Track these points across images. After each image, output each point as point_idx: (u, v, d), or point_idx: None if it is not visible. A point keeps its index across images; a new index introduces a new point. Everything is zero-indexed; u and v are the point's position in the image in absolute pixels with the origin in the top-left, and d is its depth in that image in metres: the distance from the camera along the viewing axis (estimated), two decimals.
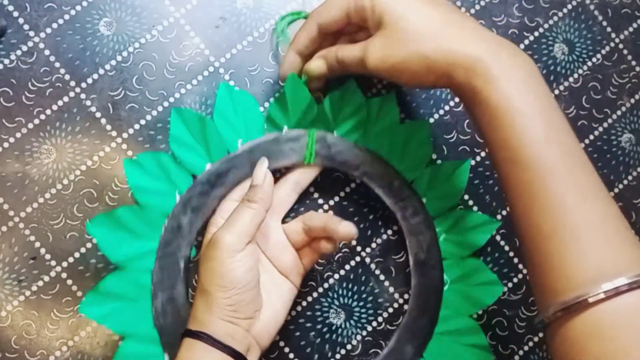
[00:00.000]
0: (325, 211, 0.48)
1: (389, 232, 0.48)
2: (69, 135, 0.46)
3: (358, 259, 0.48)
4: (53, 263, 0.45)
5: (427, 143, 0.47)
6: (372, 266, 0.48)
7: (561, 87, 0.51)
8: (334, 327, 0.47)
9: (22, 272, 0.45)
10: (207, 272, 0.39)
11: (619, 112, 0.51)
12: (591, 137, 0.51)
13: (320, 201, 0.48)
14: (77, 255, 0.45)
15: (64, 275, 0.45)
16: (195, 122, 0.45)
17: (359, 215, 0.48)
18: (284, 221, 0.46)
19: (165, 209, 0.44)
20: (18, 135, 0.46)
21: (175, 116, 0.45)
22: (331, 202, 0.48)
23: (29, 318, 0.45)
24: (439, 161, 0.49)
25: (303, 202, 0.47)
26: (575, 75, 0.51)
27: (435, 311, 0.46)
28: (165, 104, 0.47)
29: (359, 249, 0.48)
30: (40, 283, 0.45)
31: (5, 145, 0.46)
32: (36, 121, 0.46)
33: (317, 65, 0.43)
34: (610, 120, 0.51)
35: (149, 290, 0.44)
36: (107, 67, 0.47)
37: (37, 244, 0.45)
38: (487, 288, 0.46)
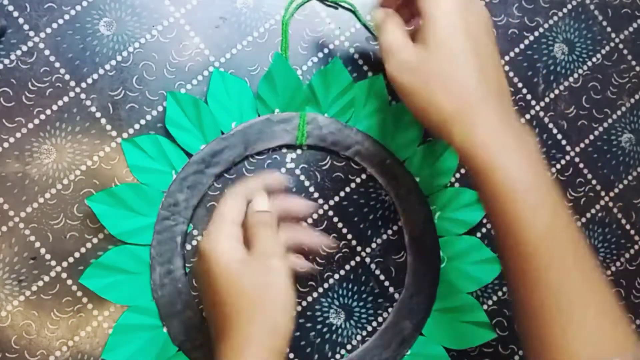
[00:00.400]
0: (325, 211, 0.48)
1: (389, 232, 0.48)
2: (69, 135, 0.46)
3: (358, 259, 0.48)
4: (53, 263, 0.45)
5: (418, 123, 0.47)
6: (372, 266, 0.48)
7: (561, 87, 0.51)
8: (334, 327, 0.47)
9: (22, 272, 0.45)
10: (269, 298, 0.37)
11: (619, 112, 0.52)
12: (591, 137, 0.51)
13: (321, 201, 0.48)
14: (77, 255, 0.45)
15: (64, 275, 0.45)
16: (190, 105, 0.46)
17: (359, 215, 0.48)
18: None
19: (162, 187, 0.46)
20: (18, 135, 0.46)
21: (171, 100, 0.46)
22: (331, 202, 0.48)
23: (29, 318, 0.45)
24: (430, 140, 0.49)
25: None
26: (575, 75, 0.51)
27: (432, 288, 0.47)
28: (165, 104, 0.47)
29: (359, 249, 0.48)
30: (40, 283, 0.45)
31: (5, 145, 0.46)
32: (36, 121, 0.46)
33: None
34: (610, 120, 0.51)
35: (148, 264, 0.45)
36: (107, 67, 0.47)
37: (37, 244, 0.45)
38: (485, 266, 0.47)
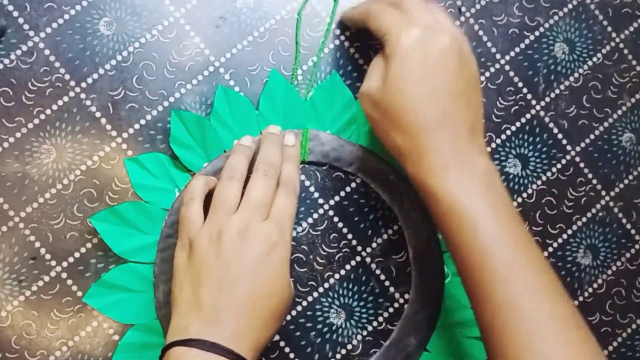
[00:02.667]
0: (326, 211, 0.48)
1: (390, 231, 0.48)
2: (69, 135, 0.46)
3: (358, 258, 0.48)
4: (53, 263, 0.45)
5: None
6: (373, 266, 0.48)
7: (561, 87, 0.51)
8: (334, 327, 0.47)
9: (22, 272, 0.45)
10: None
11: (619, 112, 0.52)
12: (592, 136, 0.51)
13: (321, 201, 0.48)
14: (77, 255, 0.45)
15: (64, 275, 0.45)
16: (194, 123, 0.46)
17: (359, 215, 0.48)
18: None
19: (165, 205, 0.46)
20: (18, 135, 0.46)
21: (175, 118, 0.46)
22: (331, 202, 0.48)
23: (29, 318, 0.45)
24: None
25: (303, 201, 0.48)
26: (576, 75, 0.51)
27: (437, 304, 0.47)
28: (165, 103, 0.47)
29: (359, 248, 0.48)
30: (40, 283, 0.45)
31: (5, 145, 0.46)
32: (36, 121, 0.46)
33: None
34: (610, 120, 0.51)
35: (151, 282, 0.45)
36: (107, 66, 0.47)
37: (37, 244, 0.45)
38: None
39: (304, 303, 0.47)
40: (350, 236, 0.48)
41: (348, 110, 0.47)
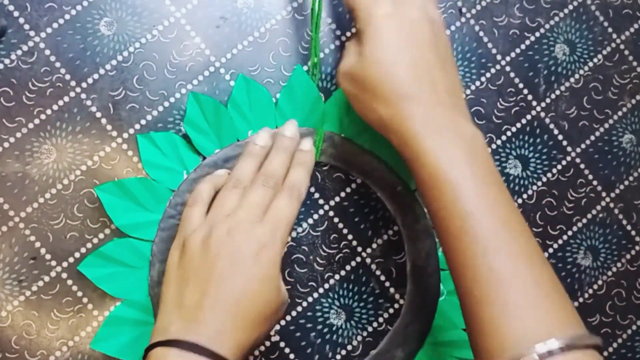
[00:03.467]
0: (326, 212, 0.48)
1: (390, 232, 0.48)
2: (69, 135, 0.46)
3: (359, 259, 0.48)
4: (53, 263, 0.45)
5: None
6: (373, 267, 0.48)
7: (562, 88, 0.51)
8: (334, 328, 0.47)
9: (22, 272, 0.45)
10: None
11: (620, 113, 0.52)
12: (592, 137, 0.51)
13: (321, 201, 0.48)
14: (77, 255, 0.45)
15: (64, 275, 0.45)
16: (210, 108, 0.46)
17: (359, 215, 0.48)
18: None
19: (172, 185, 0.46)
20: (18, 135, 0.46)
21: (193, 101, 0.46)
22: (332, 203, 0.48)
23: (29, 318, 0.45)
24: None
25: (303, 202, 0.47)
26: (577, 76, 0.51)
27: (429, 320, 0.47)
28: (166, 104, 0.47)
29: (359, 249, 0.48)
30: (41, 283, 0.45)
31: (6, 145, 0.46)
32: (36, 121, 0.46)
33: None
34: (611, 121, 0.51)
35: (148, 259, 0.45)
36: (108, 67, 0.47)
37: (38, 244, 0.45)
38: None
39: (304, 304, 0.47)
40: (350, 237, 0.48)
41: None
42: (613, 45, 0.52)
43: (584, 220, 0.51)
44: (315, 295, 0.47)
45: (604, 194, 0.51)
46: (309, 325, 0.47)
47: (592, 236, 0.51)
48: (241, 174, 0.42)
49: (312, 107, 0.47)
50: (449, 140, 0.36)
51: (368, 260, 0.48)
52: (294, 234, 0.47)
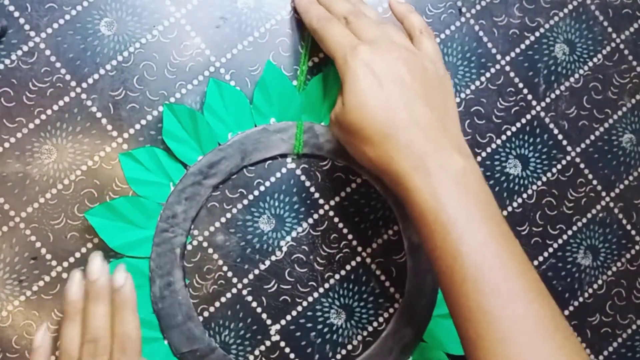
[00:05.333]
0: (326, 212, 0.48)
1: (390, 232, 0.48)
2: (69, 135, 0.46)
3: (359, 259, 0.48)
4: (54, 263, 0.45)
5: None
6: (373, 266, 0.48)
7: (562, 87, 0.51)
8: (334, 328, 0.48)
9: (22, 272, 0.45)
10: None
11: (619, 113, 0.52)
12: (592, 137, 0.51)
13: (321, 201, 0.48)
14: (77, 255, 0.46)
15: (64, 275, 0.45)
16: (186, 116, 0.46)
17: (359, 215, 0.48)
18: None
19: (160, 199, 0.46)
20: (19, 135, 0.46)
21: (167, 111, 0.46)
22: (332, 202, 0.48)
23: (30, 318, 0.45)
24: None
25: (303, 202, 0.48)
26: (576, 76, 0.51)
27: (433, 294, 0.47)
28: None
29: (359, 249, 0.48)
30: (41, 283, 0.45)
31: (6, 145, 0.46)
32: (37, 121, 0.46)
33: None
34: (611, 121, 0.52)
35: (147, 276, 0.45)
36: (108, 67, 0.47)
37: (38, 244, 0.45)
38: None
39: (304, 303, 0.47)
40: (350, 237, 0.48)
41: None
42: (613, 44, 0.52)
43: (584, 220, 0.51)
44: (316, 294, 0.48)
45: (603, 194, 0.51)
46: (309, 325, 0.47)
47: (592, 235, 0.51)
48: (67, 346, 0.39)
49: (288, 100, 0.47)
50: (436, 176, 0.36)
51: (368, 260, 0.48)
52: (294, 234, 0.48)
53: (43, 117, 0.46)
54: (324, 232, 0.48)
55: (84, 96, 0.47)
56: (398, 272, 0.48)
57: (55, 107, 0.46)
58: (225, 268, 0.47)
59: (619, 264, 0.51)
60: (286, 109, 0.47)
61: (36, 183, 0.46)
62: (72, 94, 0.46)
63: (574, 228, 0.51)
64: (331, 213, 0.48)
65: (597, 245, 0.51)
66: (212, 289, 0.47)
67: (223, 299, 0.47)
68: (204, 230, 0.47)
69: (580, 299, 0.51)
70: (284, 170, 0.48)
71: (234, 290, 0.47)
